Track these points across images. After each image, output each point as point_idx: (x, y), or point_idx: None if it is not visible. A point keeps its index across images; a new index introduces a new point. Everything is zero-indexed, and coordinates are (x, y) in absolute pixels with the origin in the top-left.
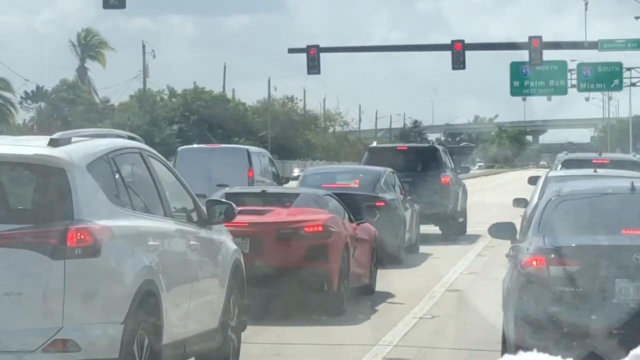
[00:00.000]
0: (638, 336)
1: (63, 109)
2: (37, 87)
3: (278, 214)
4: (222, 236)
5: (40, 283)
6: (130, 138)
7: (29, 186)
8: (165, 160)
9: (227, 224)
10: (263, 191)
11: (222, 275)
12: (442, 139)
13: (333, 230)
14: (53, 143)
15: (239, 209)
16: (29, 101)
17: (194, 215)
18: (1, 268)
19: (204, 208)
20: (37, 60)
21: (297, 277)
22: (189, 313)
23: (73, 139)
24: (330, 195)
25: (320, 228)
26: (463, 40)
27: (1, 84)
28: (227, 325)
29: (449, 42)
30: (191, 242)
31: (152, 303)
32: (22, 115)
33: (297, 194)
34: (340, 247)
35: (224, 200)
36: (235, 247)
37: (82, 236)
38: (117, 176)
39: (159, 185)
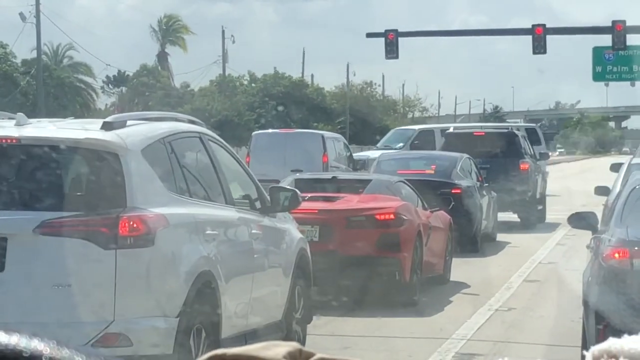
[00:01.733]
0: None
1: (143, 94)
2: (119, 72)
3: (349, 201)
4: (287, 224)
5: (91, 274)
6: (190, 122)
7: (81, 172)
8: (227, 145)
9: (295, 211)
10: (334, 177)
11: (286, 266)
12: (523, 124)
13: (405, 218)
14: (106, 126)
15: (309, 195)
16: (110, 86)
17: (258, 203)
18: (50, 258)
19: (268, 195)
20: (119, 45)
21: (368, 266)
22: (250, 305)
23: (128, 123)
24: (404, 182)
25: (392, 216)
26: (544, 25)
27: (83, 68)
28: (292, 317)
29: (530, 27)
30: (253, 231)
31: (209, 295)
32: (103, 100)
33: (369, 180)
34: (413, 236)
35: (288, 187)
36: (300, 235)
37: (135, 224)
38: (174, 162)
39: (219, 171)
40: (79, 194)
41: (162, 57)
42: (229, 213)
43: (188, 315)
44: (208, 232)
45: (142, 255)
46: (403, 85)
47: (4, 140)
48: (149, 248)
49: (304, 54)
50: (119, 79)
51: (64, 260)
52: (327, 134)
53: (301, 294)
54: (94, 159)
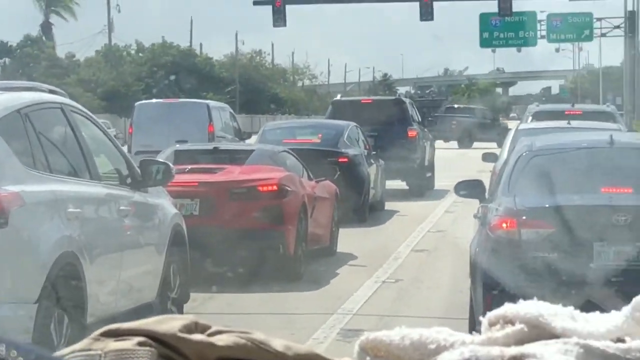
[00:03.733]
0: (617, 303)
1: (28, 65)
2: (1, 42)
3: (230, 172)
4: (160, 199)
5: None
6: (51, 92)
7: None
8: (93, 117)
9: (174, 184)
10: (215, 147)
11: (160, 243)
12: (412, 92)
13: (289, 189)
14: None
15: (189, 167)
16: None
17: (128, 179)
18: None
19: (139, 169)
20: (0, 15)
21: (251, 239)
22: (119, 287)
23: None
24: (288, 152)
25: (275, 187)
26: None
27: None
28: (167, 297)
29: None
30: (122, 208)
31: (72, 278)
32: None
33: (252, 151)
34: (297, 207)
35: (160, 159)
36: (175, 210)
37: None
38: (32, 135)
39: (83, 144)
40: None
41: (46, 27)
42: (94, 189)
43: (48, 301)
44: (70, 210)
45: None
46: (292, 53)
47: None
48: (2, 229)
49: (191, 23)
50: (1, 50)
51: None
52: (212, 103)
53: (177, 272)
54: None
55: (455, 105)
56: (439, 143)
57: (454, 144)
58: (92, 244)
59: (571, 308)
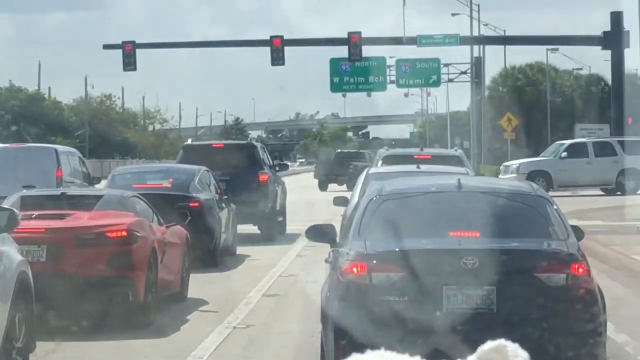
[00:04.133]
0: (468, 348)
1: None
2: None
3: (78, 218)
4: (4, 247)
5: None
6: None
7: None
8: None
9: (20, 230)
10: (63, 193)
11: (3, 292)
12: (264, 136)
13: (139, 234)
14: None
15: (36, 213)
16: None
17: None
18: None
19: None
20: None
21: (100, 287)
22: None
23: None
24: (138, 197)
25: (124, 233)
26: (282, 36)
27: None
28: (12, 347)
29: (268, 38)
30: None
31: None
32: None
33: (101, 196)
34: (147, 253)
35: (5, 206)
36: (20, 258)
37: None
38: None
39: None
40: None
41: None
42: None
43: None
44: None
45: None
46: (143, 97)
47: None
48: None
49: (39, 67)
50: None
51: None
52: (61, 148)
53: (22, 320)
54: None
55: (346, 150)
56: (332, 186)
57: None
58: None
59: (418, 357)
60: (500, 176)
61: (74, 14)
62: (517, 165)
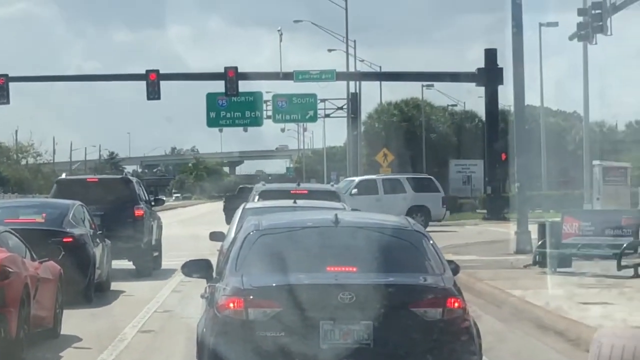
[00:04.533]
0: None
1: None
2: None
3: None
4: None
5: None
6: None
7: None
8: None
9: None
10: None
11: None
12: (139, 170)
13: (11, 270)
14: None
15: None
16: None
17: None
18: None
19: None
20: None
21: None
22: None
23: None
24: (10, 232)
25: None
26: (158, 70)
27: None
28: None
29: (144, 72)
30: None
31: None
32: None
33: None
34: (20, 289)
35: None
36: None
37: None
38: None
39: None
40: None
41: None
42: None
43: None
44: None
45: None
46: (16, 131)
47: None
48: None
49: None
50: None
51: None
52: None
53: None
54: None
55: (249, 185)
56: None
57: None
58: None
59: None
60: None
61: None
62: None
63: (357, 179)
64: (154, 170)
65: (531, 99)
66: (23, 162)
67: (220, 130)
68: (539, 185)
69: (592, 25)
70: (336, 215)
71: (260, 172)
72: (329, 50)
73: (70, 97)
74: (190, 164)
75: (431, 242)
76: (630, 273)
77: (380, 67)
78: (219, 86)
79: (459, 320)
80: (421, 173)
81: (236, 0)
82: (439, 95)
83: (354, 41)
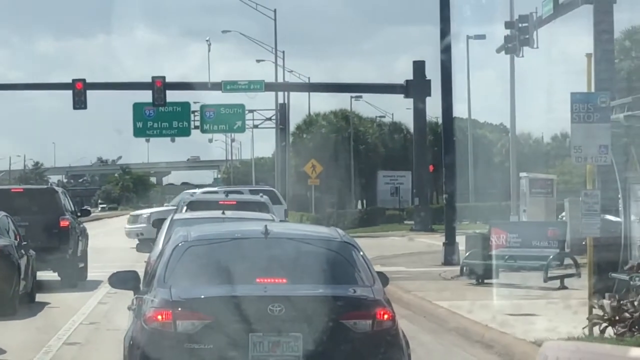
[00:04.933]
0: None
1: None
2: None
3: None
4: None
5: None
6: None
7: None
8: None
9: None
10: None
11: None
12: (65, 180)
13: None
14: None
15: None
16: None
17: None
18: None
19: None
20: None
21: None
22: None
23: None
24: None
25: None
26: (84, 79)
27: None
28: None
29: (70, 81)
30: None
31: None
32: None
33: None
34: None
35: None
36: None
37: None
38: None
39: None
40: None
41: None
42: None
43: None
44: None
45: None
46: None
47: None
48: None
49: None
50: None
51: None
52: None
53: None
54: None
55: None
56: None
57: None
58: None
59: None
60: (127, 226)
61: None
62: (148, 214)
63: (198, 191)
64: (80, 180)
65: (459, 111)
66: None
67: (147, 141)
68: (466, 196)
69: (518, 38)
70: (266, 226)
71: (185, 183)
72: (258, 61)
73: None
74: (116, 174)
75: (361, 253)
76: (557, 285)
77: (309, 78)
78: (146, 96)
79: (389, 331)
80: (264, 185)
81: (164, 10)
82: (368, 106)
83: (283, 52)
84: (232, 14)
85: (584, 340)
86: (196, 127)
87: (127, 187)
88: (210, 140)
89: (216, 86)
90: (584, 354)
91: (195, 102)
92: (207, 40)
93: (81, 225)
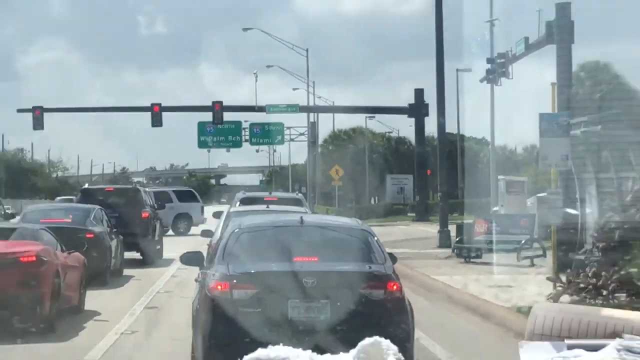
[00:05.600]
0: (307, 346)
1: None
2: None
3: None
4: None
5: None
6: None
7: None
8: None
9: None
10: None
11: None
12: (145, 182)
13: (45, 259)
14: None
15: None
16: None
17: None
18: None
19: None
20: None
21: (14, 301)
22: None
23: None
24: (45, 230)
25: (34, 258)
26: (160, 104)
27: None
28: None
29: (149, 105)
30: None
31: None
32: None
33: (15, 229)
34: (52, 274)
35: None
36: None
37: None
38: None
39: None
40: None
41: None
42: None
43: None
44: None
45: None
46: (49, 150)
47: None
48: None
49: None
50: None
51: None
52: None
53: None
54: None
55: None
56: None
57: None
58: None
59: (309, 351)
60: None
61: None
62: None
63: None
64: (157, 182)
65: (450, 127)
66: (54, 175)
67: (208, 151)
68: (456, 194)
69: (497, 71)
70: (301, 217)
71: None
72: (294, 89)
73: (91, 124)
74: (184, 177)
75: (375, 238)
76: (527, 263)
77: (333, 102)
78: (207, 116)
79: (397, 299)
80: (184, 187)
81: (221, 49)
82: (379, 124)
83: (314, 82)
84: (274, 52)
85: (566, 304)
86: (246, 141)
87: (193, 187)
88: (257, 151)
89: (262, 108)
90: (566, 313)
91: (245, 121)
92: (254, 73)
93: (158, 216)
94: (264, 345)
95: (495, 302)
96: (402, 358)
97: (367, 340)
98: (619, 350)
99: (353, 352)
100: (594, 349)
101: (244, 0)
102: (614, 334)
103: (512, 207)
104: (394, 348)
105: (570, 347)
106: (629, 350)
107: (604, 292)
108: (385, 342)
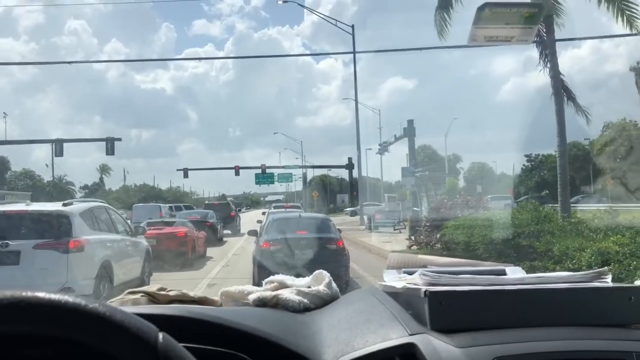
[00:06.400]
0: (312, 266)
1: None
2: None
3: (170, 229)
4: (140, 240)
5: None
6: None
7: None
8: (117, 211)
9: (149, 234)
10: (163, 220)
11: (140, 255)
12: (233, 200)
13: (188, 234)
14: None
15: (152, 228)
16: None
17: (128, 232)
18: (39, 258)
19: (132, 228)
20: None
21: (178, 252)
22: (127, 270)
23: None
24: (188, 221)
25: (183, 234)
26: (238, 165)
27: None
28: (144, 276)
29: (232, 166)
30: (127, 243)
31: (108, 269)
32: None
33: (174, 221)
34: (191, 241)
35: (141, 225)
36: (146, 243)
37: (76, 243)
38: (93, 217)
39: (114, 222)
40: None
41: None
42: (116, 237)
43: (98, 278)
44: (107, 244)
45: (80, 254)
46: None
47: (18, 212)
48: (82, 252)
49: None
50: None
51: (46, 258)
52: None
53: (146, 267)
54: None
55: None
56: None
57: None
58: (116, 256)
59: (291, 276)
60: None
61: None
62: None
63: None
64: (236, 201)
65: (363, 173)
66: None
67: (260, 185)
68: (375, 201)
69: (383, 149)
70: (299, 214)
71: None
72: (296, 158)
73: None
74: (248, 198)
75: (332, 222)
76: (397, 232)
77: (313, 163)
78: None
79: (342, 249)
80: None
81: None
82: (334, 172)
83: (305, 155)
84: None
85: (404, 252)
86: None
87: (249, 203)
88: (281, 184)
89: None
90: (402, 257)
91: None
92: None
93: (239, 215)
94: (282, 273)
95: (383, 248)
96: (333, 281)
97: (316, 271)
98: (420, 273)
99: (310, 276)
100: (411, 273)
101: None
102: (424, 267)
103: (390, 207)
104: (329, 275)
105: (404, 273)
106: (425, 273)
107: (430, 246)
108: (325, 272)
